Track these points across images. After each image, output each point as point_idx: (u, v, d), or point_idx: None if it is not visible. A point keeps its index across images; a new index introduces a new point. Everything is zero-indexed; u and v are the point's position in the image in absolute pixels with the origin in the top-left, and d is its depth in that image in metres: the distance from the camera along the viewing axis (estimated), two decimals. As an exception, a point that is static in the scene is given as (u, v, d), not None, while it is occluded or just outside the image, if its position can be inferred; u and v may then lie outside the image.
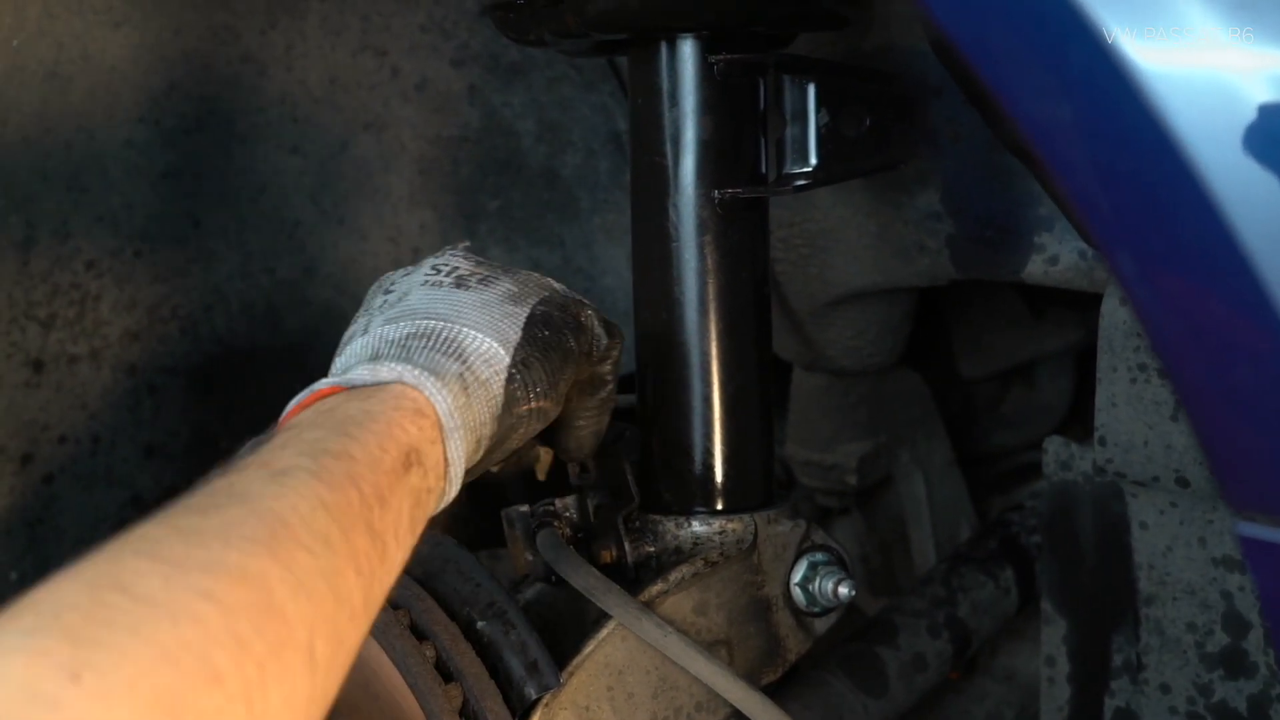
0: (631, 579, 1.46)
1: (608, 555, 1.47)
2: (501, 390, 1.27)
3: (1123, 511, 1.55)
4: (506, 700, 1.33)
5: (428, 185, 2.02)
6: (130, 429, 1.98)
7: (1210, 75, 0.91)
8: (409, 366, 1.22)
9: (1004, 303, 2.13)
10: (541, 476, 1.49)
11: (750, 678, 1.45)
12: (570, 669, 1.37)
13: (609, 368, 1.40)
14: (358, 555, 1.06)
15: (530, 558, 1.49)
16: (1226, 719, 1.52)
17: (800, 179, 1.45)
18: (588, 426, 1.43)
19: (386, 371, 1.21)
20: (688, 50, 1.44)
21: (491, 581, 1.40)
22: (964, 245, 1.62)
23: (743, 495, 1.49)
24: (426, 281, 1.33)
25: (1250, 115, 0.89)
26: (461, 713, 1.32)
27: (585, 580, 1.39)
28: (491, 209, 2.03)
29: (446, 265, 1.35)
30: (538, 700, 1.34)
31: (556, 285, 1.38)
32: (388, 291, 1.35)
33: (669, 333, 1.46)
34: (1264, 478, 0.88)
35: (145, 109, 1.89)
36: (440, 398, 1.21)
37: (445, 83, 1.98)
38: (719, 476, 1.48)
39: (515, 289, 1.33)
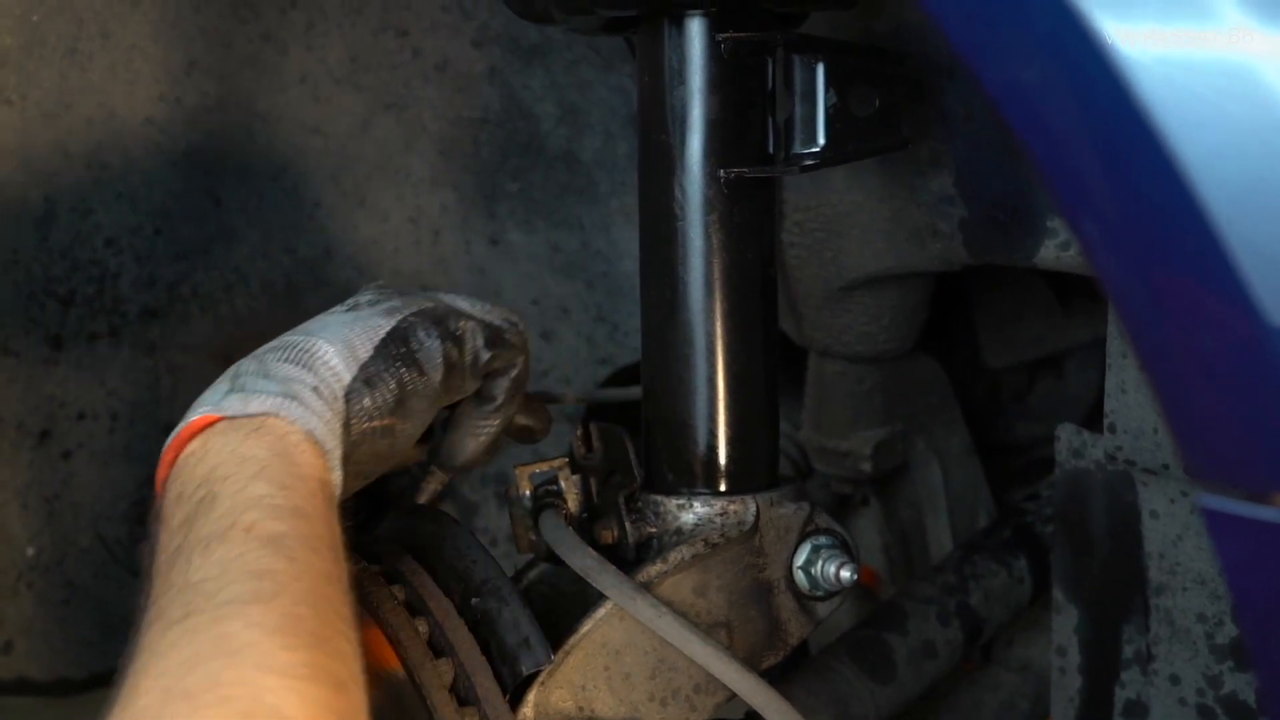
0: (632, 560, 1.45)
1: (609, 536, 1.46)
2: (344, 406, 1.30)
3: (1133, 500, 1.54)
4: (498, 676, 1.33)
5: (449, 166, 2.01)
6: (149, 406, 1.99)
7: (1181, 44, 0.90)
8: (276, 398, 1.25)
9: (1031, 292, 2.11)
10: (422, 499, 1.50)
11: (750, 660, 1.44)
12: (567, 648, 1.37)
13: (501, 383, 1.43)
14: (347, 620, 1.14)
15: (533, 538, 1.48)
16: (1236, 712, 1.51)
17: (808, 159, 1.44)
18: (467, 437, 1.45)
19: (256, 404, 1.25)
20: (695, 28, 1.43)
21: (488, 558, 1.40)
22: (977, 229, 1.61)
23: (745, 476, 1.47)
24: (333, 310, 1.38)
25: (1220, 84, 0.88)
26: (452, 688, 1.31)
27: (582, 561, 1.39)
28: (512, 191, 2.02)
29: (361, 296, 1.40)
30: (531, 677, 1.34)
31: (452, 301, 1.41)
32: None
33: (673, 311, 1.46)
34: (1224, 448, 0.87)
35: (165, 86, 1.90)
36: (315, 423, 1.25)
37: (466, 63, 1.98)
38: (722, 457, 1.47)
39: (397, 304, 1.36)
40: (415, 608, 1.35)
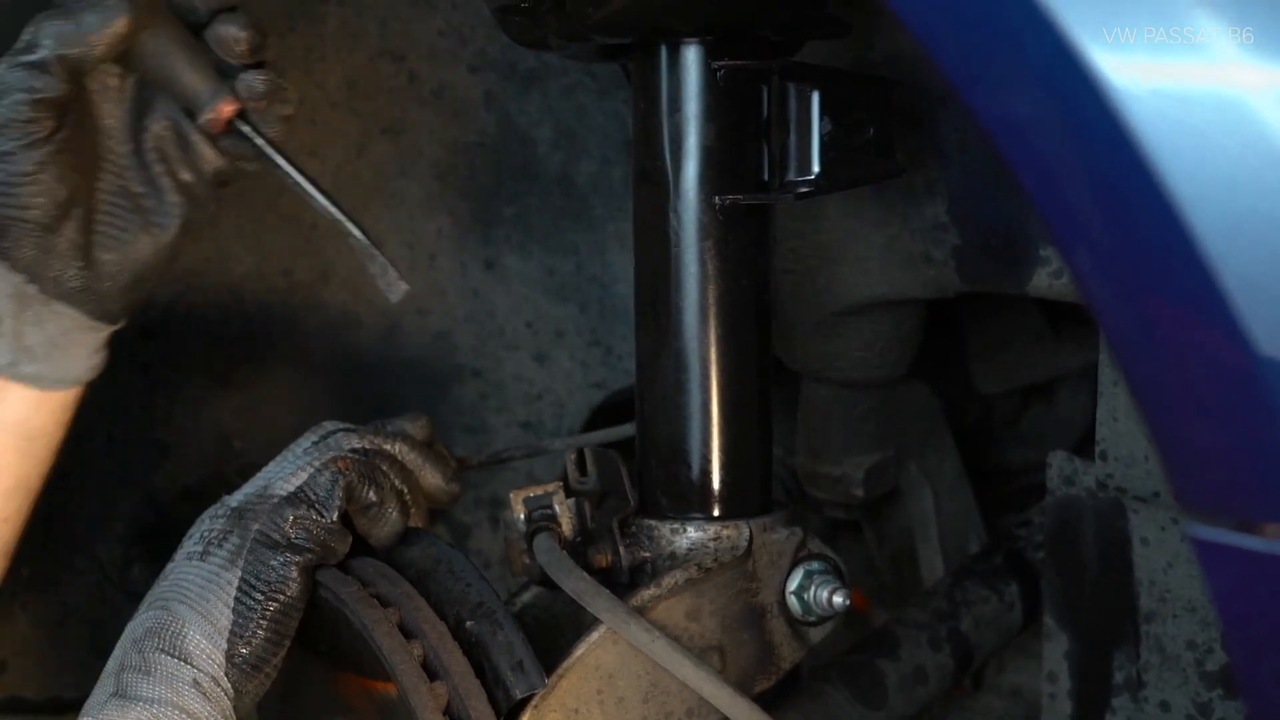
0: (626, 584, 1.46)
1: (603, 560, 1.47)
2: (227, 684, 1.36)
3: (1124, 527, 1.54)
4: (492, 700, 1.33)
5: (444, 191, 2.02)
6: (144, 428, 1.99)
7: (1174, 77, 0.91)
8: (154, 706, 1.32)
9: (1023, 318, 2.12)
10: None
11: (742, 685, 1.45)
12: (560, 671, 1.38)
13: (366, 498, 1.43)
14: None
15: (527, 562, 1.49)
16: (1225, 738, 1.51)
17: (803, 186, 1.45)
18: (377, 530, 1.45)
19: (135, 714, 1.32)
20: (691, 56, 1.44)
21: (482, 582, 1.40)
22: (970, 257, 1.62)
23: (739, 501, 1.48)
24: (190, 555, 1.41)
25: (1212, 117, 0.89)
26: (446, 711, 1.32)
27: (576, 584, 1.40)
28: (507, 215, 2.03)
29: (210, 532, 1.42)
30: (524, 700, 1.34)
31: (284, 486, 1.42)
32: (172, 559, 1.44)
33: (668, 337, 1.46)
34: (1214, 478, 0.88)
35: (164, 109, 1.90)
36: None
37: (463, 89, 1.99)
38: (715, 483, 1.48)
39: (236, 542, 1.39)
40: (409, 631, 1.35)
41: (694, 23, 1.42)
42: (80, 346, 1.52)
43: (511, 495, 1.50)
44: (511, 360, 2.07)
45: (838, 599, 1.48)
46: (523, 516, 1.49)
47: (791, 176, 1.45)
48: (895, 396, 1.93)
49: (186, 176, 1.51)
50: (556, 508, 1.48)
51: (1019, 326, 2.12)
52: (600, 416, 2.06)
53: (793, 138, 1.44)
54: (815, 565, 1.49)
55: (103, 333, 1.53)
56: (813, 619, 1.49)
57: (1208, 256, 0.86)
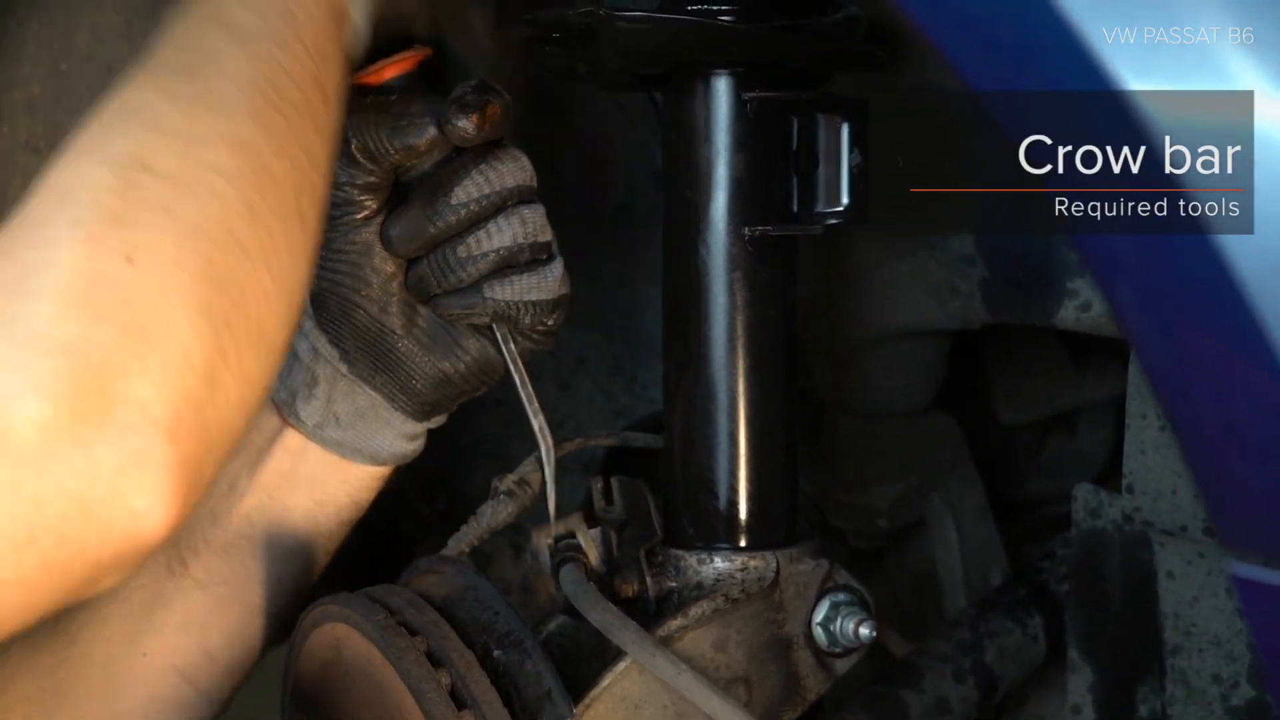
0: (652, 614, 1.46)
1: (629, 590, 1.47)
2: None
3: (1150, 560, 1.54)
4: (520, 729, 1.34)
5: (469, 219, 2.02)
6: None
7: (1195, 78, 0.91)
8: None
9: (1045, 350, 2.12)
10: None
11: (768, 717, 1.45)
12: (587, 701, 1.38)
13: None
14: (316, 115, 1.18)
15: (552, 591, 1.49)
16: (1250, 773, 1.51)
17: (831, 218, 1.45)
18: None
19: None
20: (721, 86, 1.44)
21: (509, 611, 1.40)
22: (996, 288, 1.62)
23: (766, 532, 1.48)
24: None
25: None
26: (474, 741, 1.32)
27: (601, 615, 1.40)
28: (531, 243, 2.02)
29: None
30: (551, 730, 1.35)
31: None
32: None
33: (696, 367, 1.47)
34: (1257, 516, 0.88)
35: (190, 135, 1.91)
36: None
37: (488, 116, 1.98)
38: (742, 513, 1.48)
39: None
40: (437, 659, 1.35)
41: (725, 55, 1.42)
42: (386, 426, 1.53)
43: (534, 530, 1.51)
44: (534, 387, 2.07)
45: (864, 630, 1.48)
46: (548, 546, 1.49)
47: (820, 208, 1.46)
48: (919, 427, 1.93)
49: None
50: (581, 539, 1.48)
51: (1041, 358, 2.12)
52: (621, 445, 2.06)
53: (822, 169, 1.45)
54: (842, 597, 1.49)
55: (409, 423, 1.54)
56: (839, 650, 1.49)
57: (1248, 293, 0.86)
